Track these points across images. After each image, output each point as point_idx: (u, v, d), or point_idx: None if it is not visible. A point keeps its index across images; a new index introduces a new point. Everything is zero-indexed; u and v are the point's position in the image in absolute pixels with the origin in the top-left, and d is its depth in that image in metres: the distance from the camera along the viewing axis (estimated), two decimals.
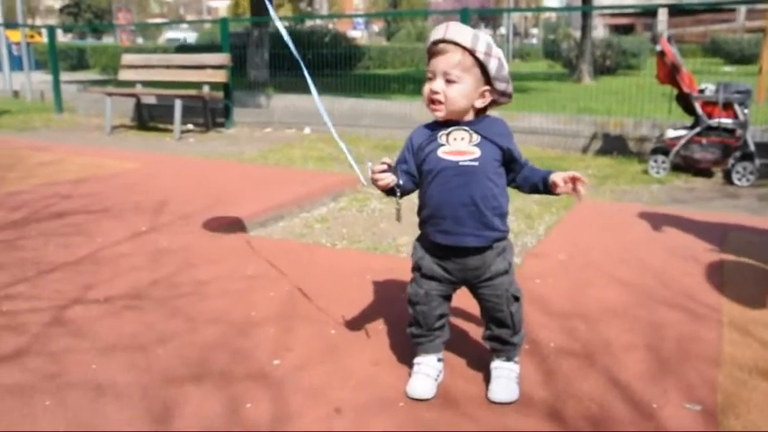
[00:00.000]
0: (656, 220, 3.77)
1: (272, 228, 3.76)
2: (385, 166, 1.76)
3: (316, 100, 1.97)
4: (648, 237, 3.47)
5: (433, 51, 1.72)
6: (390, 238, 3.55)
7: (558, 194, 1.77)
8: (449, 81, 1.70)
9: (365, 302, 2.53)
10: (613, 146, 6.40)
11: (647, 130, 6.43)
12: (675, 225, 3.67)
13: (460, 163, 1.72)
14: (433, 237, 1.81)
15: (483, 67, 1.70)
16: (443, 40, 1.69)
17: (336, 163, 5.79)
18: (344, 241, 3.50)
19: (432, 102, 1.73)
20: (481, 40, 1.68)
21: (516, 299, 1.85)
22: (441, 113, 1.73)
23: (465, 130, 1.75)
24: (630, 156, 6.20)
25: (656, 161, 5.38)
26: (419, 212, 1.86)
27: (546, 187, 1.78)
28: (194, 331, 2.27)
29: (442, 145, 1.75)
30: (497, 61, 1.70)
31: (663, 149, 5.44)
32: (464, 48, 1.67)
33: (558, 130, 6.81)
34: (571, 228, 3.67)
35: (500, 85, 1.74)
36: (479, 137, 1.75)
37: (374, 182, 1.77)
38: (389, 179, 1.75)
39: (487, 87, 1.74)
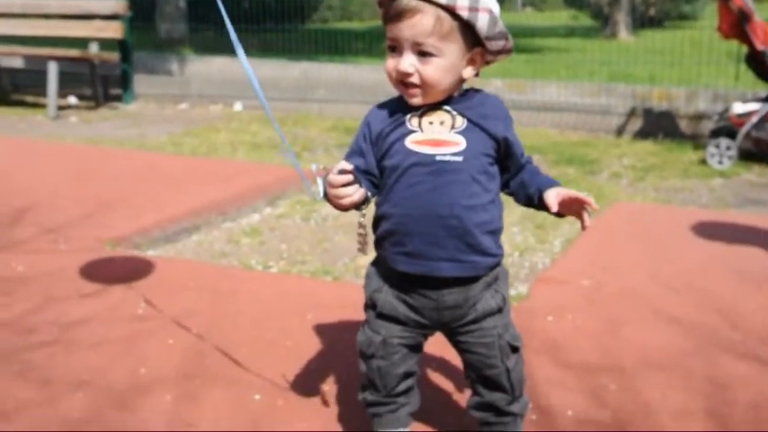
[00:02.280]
0: (720, 231, 3.74)
1: (182, 243, 3.69)
2: (349, 177, 1.63)
3: (242, 60, 1.85)
4: (709, 255, 3.44)
5: (392, 11, 1.62)
6: (347, 257, 3.48)
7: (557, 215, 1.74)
8: (423, 54, 1.62)
9: (305, 353, 2.45)
10: (658, 126, 6.42)
11: (704, 104, 6.45)
12: (747, 237, 3.65)
13: (438, 157, 1.65)
14: (393, 262, 1.72)
15: (468, 27, 1.62)
16: None
17: (276, 152, 5.69)
18: (282, 262, 3.44)
19: (402, 84, 1.66)
20: None
21: (514, 349, 1.78)
22: (417, 99, 1.67)
23: (445, 111, 1.69)
24: (682, 140, 6.21)
25: (717, 147, 5.38)
26: (374, 226, 1.77)
27: (541, 203, 1.72)
28: (53, 400, 2.16)
29: (412, 132, 1.68)
30: (488, 15, 1.61)
31: (727, 130, 5.44)
32: (439, 4, 1.59)
33: (583, 104, 6.81)
34: (599, 242, 3.62)
35: (495, 45, 1.68)
36: (465, 121, 1.68)
37: (334, 199, 1.65)
38: (357, 196, 1.64)
39: (478, 49, 1.67)
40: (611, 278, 3.12)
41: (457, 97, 1.70)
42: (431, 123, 1.68)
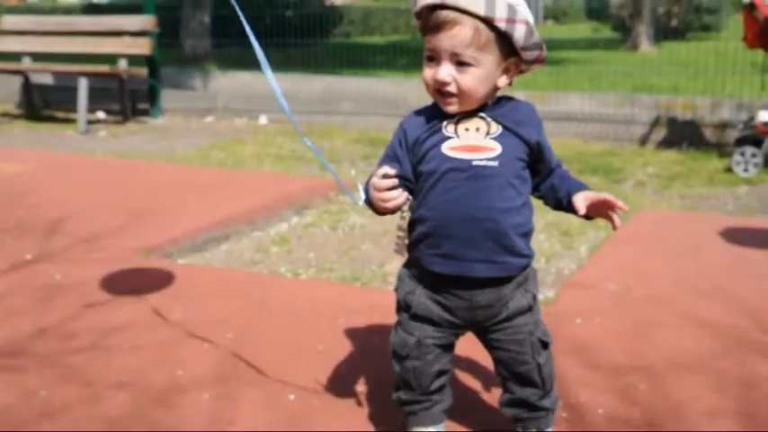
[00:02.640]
0: (747, 237, 3.75)
1: (211, 253, 3.74)
2: (395, 181, 1.69)
3: (268, 76, 1.90)
4: (736, 260, 3.45)
5: (431, 22, 1.67)
6: (375, 265, 3.52)
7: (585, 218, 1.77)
8: (461, 64, 1.66)
9: (337, 355, 2.49)
10: (683, 135, 6.41)
11: (729, 113, 6.45)
12: None
13: (474, 162, 1.70)
14: (429, 263, 1.76)
15: (505, 37, 1.67)
16: (445, 6, 1.65)
17: (302, 163, 5.76)
18: (311, 270, 3.48)
19: (439, 93, 1.71)
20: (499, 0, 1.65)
21: (545, 345, 1.82)
22: (453, 107, 1.71)
23: (481, 118, 1.73)
24: (707, 148, 6.20)
25: (743, 155, 5.38)
26: (409, 230, 1.81)
27: (570, 206, 1.76)
28: (95, 400, 2.22)
29: (449, 138, 1.72)
30: (524, 27, 1.65)
31: (753, 139, 5.43)
32: (477, 16, 1.64)
33: (607, 115, 6.82)
34: (625, 248, 3.64)
35: (530, 55, 1.72)
36: (500, 127, 1.72)
37: (378, 203, 1.71)
38: (401, 199, 1.71)
39: (513, 59, 1.71)
40: (638, 282, 3.14)
41: (491, 105, 1.74)
42: (467, 130, 1.72)
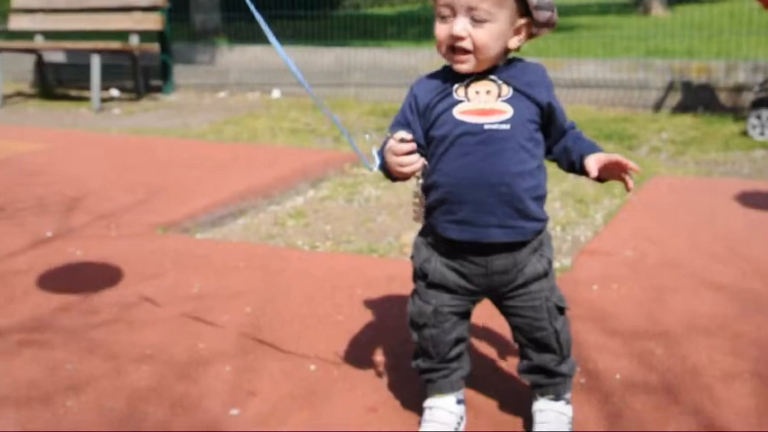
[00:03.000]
0: (763, 201, 3.74)
1: (228, 227, 3.76)
2: (412, 145, 1.67)
3: (278, 50, 1.89)
4: (752, 224, 3.45)
5: None
6: (391, 236, 3.54)
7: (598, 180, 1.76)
8: (475, 19, 1.66)
9: (356, 326, 2.52)
10: (697, 99, 6.37)
11: (744, 76, 6.39)
12: None
13: (486, 126, 1.70)
14: (443, 230, 1.77)
15: None
16: None
17: (316, 136, 5.77)
18: (328, 242, 3.50)
19: (453, 50, 1.70)
20: None
21: (561, 310, 1.83)
22: (467, 66, 1.70)
23: (491, 81, 1.73)
24: (722, 112, 6.16)
25: (758, 118, 5.34)
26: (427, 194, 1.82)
27: (583, 169, 1.76)
28: (119, 373, 2.25)
29: (460, 101, 1.72)
30: None
31: None
32: None
33: (620, 80, 6.78)
34: (641, 214, 3.64)
35: (542, 15, 1.71)
36: (511, 89, 1.72)
37: (396, 168, 1.69)
38: (419, 164, 1.69)
39: (525, 20, 1.71)
40: (654, 248, 3.14)
41: (501, 66, 1.74)
42: (477, 93, 1.72)
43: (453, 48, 1.68)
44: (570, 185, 4.13)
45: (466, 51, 1.68)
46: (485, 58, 1.69)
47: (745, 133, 5.37)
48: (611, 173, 1.74)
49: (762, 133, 5.29)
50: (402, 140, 1.66)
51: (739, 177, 4.41)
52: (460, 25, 1.65)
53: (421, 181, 1.78)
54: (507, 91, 1.72)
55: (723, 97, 6.34)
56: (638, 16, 14.58)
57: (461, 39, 1.66)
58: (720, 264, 2.96)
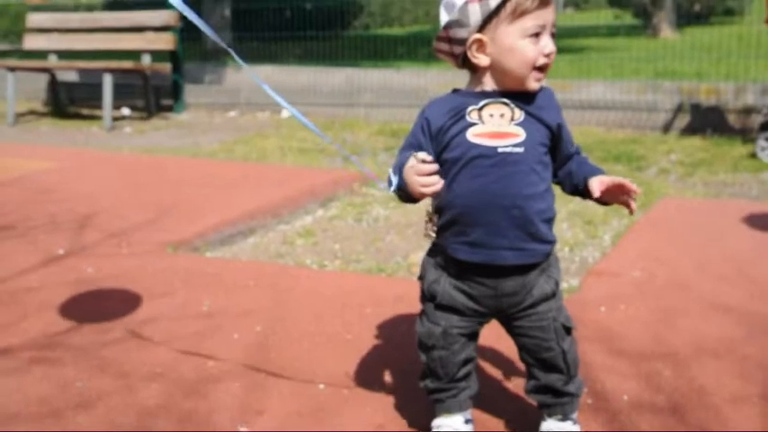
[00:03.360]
0: None
1: (238, 246, 3.78)
2: (436, 165, 1.69)
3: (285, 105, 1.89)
4: (760, 246, 3.45)
5: None
6: (399, 256, 3.55)
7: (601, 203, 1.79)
8: (552, 36, 1.73)
9: (365, 345, 2.53)
10: (706, 121, 6.37)
11: (753, 98, 6.40)
12: None
13: (500, 149, 1.72)
14: (454, 251, 1.79)
15: None
16: None
17: (325, 156, 5.80)
18: (337, 261, 3.51)
19: (538, 70, 1.72)
20: None
21: (568, 331, 1.85)
22: (540, 83, 1.75)
23: (504, 104, 1.75)
24: (731, 134, 6.16)
25: (767, 140, 5.33)
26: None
27: (587, 191, 1.79)
28: (129, 391, 2.27)
29: (473, 124, 1.74)
30: None
31: None
32: None
33: (629, 102, 6.79)
34: (649, 235, 3.65)
35: None
36: (523, 113, 1.75)
37: (418, 189, 1.68)
38: (441, 184, 1.69)
39: None
40: (662, 270, 3.15)
41: (516, 89, 1.76)
42: (491, 116, 1.74)
43: (542, 67, 1.72)
44: (578, 206, 4.14)
45: (547, 67, 1.73)
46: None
47: (753, 155, 5.38)
48: (614, 196, 1.76)
49: None
50: (423, 161, 1.66)
51: (748, 199, 4.41)
52: (551, 43, 1.71)
53: (437, 201, 1.79)
54: (519, 114, 1.74)
55: (732, 119, 6.34)
56: (647, 38, 14.61)
57: (553, 52, 1.72)
58: (728, 285, 2.96)
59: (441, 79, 7.38)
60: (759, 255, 3.31)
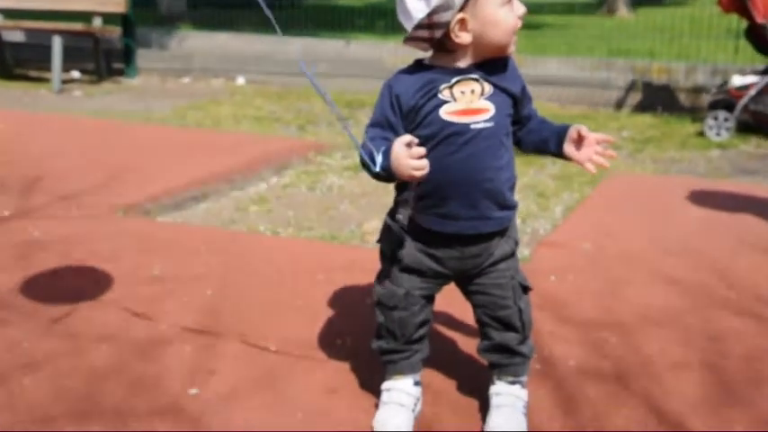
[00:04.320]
0: (717, 199, 3.82)
1: (190, 211, 3.75)
2: (424, 150, 1.65)
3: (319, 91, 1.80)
4: (706, 221, 3.52)
5: None
6: (353, 224, 3.56)
7: (571, 159, 1.82)
8: None
9: (316, 310, 2.53)
10: (657, 99, 6.47)
11: (703, 78, 6.51)
12: (743, 205, 3.72)
13: (473, 125, 1.73)
14: (426, 222, 1.81)
15: None
16: None
17: (280, 124, 5.76)
18: (290, 228, 3.50)
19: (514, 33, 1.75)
20: None
21: (525, 289, 1.89)
22: (514, 47, 1.76)
23: (474, 80, 1.75)
24: (681, 112, 6.27)
25: (715, 119, 5.45)
26: (401, 188, 1.84)
27: (560, 144, 1.81)
28: (78, 353, 2.24)
29: (446, 102, 1.73)
30: None
31: (725, 103, 5.50)
32: None
33: (582, 79, 6.86)
34: (599, 209, 3.71)
35: None
36: (491, 87, 1.76)
37: (408, 171, 1.63)
38: (428, 168, 1.65)
39: None
40: (611, 242, 3.20)
41: (483, 63, 1.76)
42: (462, 93, 1.74)
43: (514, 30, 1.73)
44: (531, 179, 4.18)
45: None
46: None
47: (702, 134, 5.48)
48: (585, 150, 1.81)
49: (718, 134, 5.40)
50: (410, 144, 1.63)
51: (695, 176, 4.50)
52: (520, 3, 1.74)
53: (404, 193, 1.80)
54: (489, 89, 1.75)
55: (682, 98, 6.45)
56: (603, 16, 14.75)
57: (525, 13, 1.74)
58: (674, 258, 3.03)
59: (397, 51, 7.36)
60: (704, 229, 3.38)
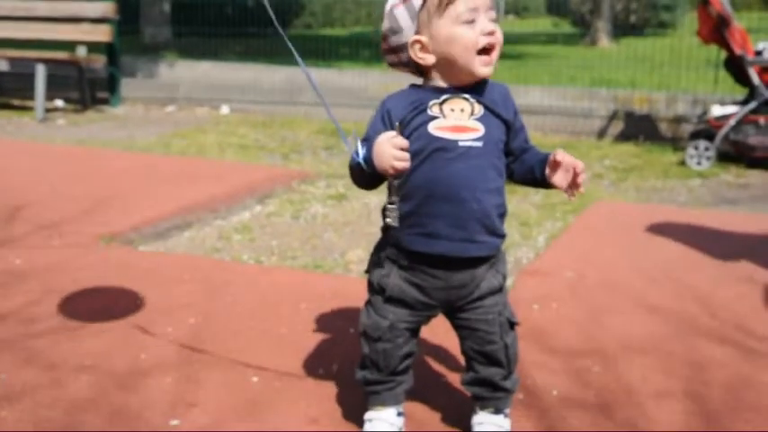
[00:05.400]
0: (698, 228, 3.85)
1: (174, 240, 3.74)
2: (407, 142, 1.68)
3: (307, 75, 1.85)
4: (687, 250, 3.54)
5: None
6: (336, 253, 3.55)
7: (553, 185, 1.79)
8: (492, 21, 1.72)
9: (299, 340, 2.52)
10: (639, 129, 6.54)
11: (684, 108, 6.59)
12: (724, 234, 3.77)
13: (461, 143, 1.74)
14: (410, 242, 1.79)
15: None
16: None
17: (265, 153, 5.77)
18: (274, 257, 3.50)
19: (485, 51, 1.71)
20: None
21: (512, 325, 1.88)
22: (490, 69, 1.73)
23: (465, 99, 1.77)
24: (662, 142, 6.34)
25: (696, 148, 5.51)
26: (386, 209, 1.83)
27: (543, 171, 1.80)
28: (57, 384, 2.22)
29: (435, 118, 1.75)
30: None
31: (706, 133, 5.57)
32: None
33: (565, 108, 6.93)
34: (582, 238, 3.73)
35: None
36: (482, 108, 1.77)
37: (390, 161, 1.64)
38: (409, 163, 1.67)
39: None
40: (593, 270, 3.22)
41: (474, 85, 1.77)
42: (452, 110, 1.75)
43: (487, 47, 1.71)
44: (515, 208, 4.20)
45: (492, 49, 1.71)
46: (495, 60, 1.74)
47: (683, 163, 5.54)
48: (565, 175, 1.77)
49: (699, 163, 5.46)
50: (397, 136, 1.66)
51: (676, 205, 4.54)
52: (489, 19, 1.70)
53: (395, 191, 1.77)
54: (479, 110, 1.76)
55: (663, 127, 6.52)
56: (585, 47, 14.93)
57: (494, 32, 1.70)
58: (656, 286, 3.04)
59: (382, 80, 7.41)
60: (686, 258, 3.41)
